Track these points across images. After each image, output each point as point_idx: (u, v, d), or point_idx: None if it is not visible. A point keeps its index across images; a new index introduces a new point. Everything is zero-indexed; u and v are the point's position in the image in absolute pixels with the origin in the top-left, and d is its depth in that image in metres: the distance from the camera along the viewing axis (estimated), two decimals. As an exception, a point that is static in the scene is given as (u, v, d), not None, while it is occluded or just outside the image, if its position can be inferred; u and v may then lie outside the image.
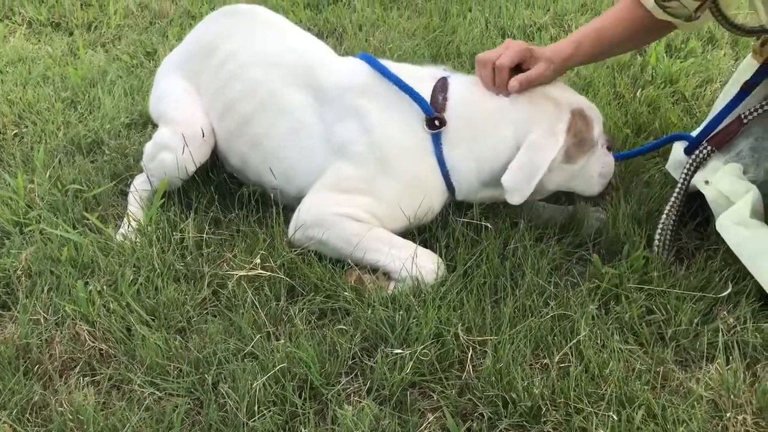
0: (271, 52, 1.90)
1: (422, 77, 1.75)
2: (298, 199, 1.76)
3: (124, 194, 2.04)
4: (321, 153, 1.76)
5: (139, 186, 1.99)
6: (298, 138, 1.79)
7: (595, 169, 1.76)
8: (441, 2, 3.30)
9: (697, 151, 1.74)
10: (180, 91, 2.02)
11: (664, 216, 1.71)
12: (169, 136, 1.92)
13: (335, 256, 1.69)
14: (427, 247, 1.69)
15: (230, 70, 1.92)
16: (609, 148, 1.80)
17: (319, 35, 3.06)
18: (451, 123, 1.69)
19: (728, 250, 1.63)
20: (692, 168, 1.74)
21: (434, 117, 1.68)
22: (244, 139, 1.87)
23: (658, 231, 1.70)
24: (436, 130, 1.69)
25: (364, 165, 1.70)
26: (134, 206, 1.95)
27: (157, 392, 1.41)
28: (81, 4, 3.55)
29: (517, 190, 1.64)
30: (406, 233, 1.73)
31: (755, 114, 1.69)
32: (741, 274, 1.60)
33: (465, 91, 1.73)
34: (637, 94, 2.39)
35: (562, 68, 1.78)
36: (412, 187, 1.70)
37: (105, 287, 1.64)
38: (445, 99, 1.71)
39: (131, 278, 1.66)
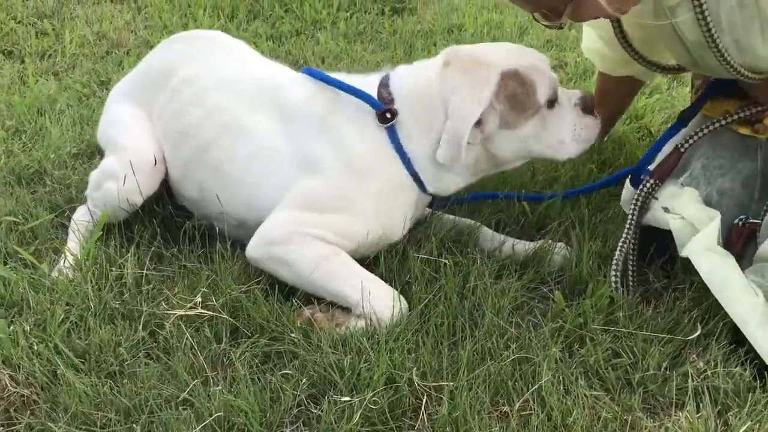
0: (232, 76, 1.83)
1: (367, 80, 1.72)
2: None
3: (64, 227, 1.92)
4: (289, 175, 1.67)
5: (80, 218, 1.87)
6: (264, 161, 1.70)
7: (563, 133, 1.67)
8: (405, 36, 3.27)
9: (641, 185, 1.71)
10: (129, 117, 1.93)
11: (617, 252, 1.65)
12: (117, 164, 1.82)
13: (293, 281, 1.59)
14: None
15: (188, 96, 1.83)
16: (586, 109, 1.71)
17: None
18: (402, 113, 1.65)
19: (697, 289, 1.56)
20: (638, 201, 1.70)
21: (384, 110, 1.64)
22: (203, 166, 1.76)
23: (612, 267, 1.63)
24: (389, 123, 1.64)
25: (335, 179, 1.63)
26: (73, 241, 1.82)
27: (81, 444, 1.28)
28: (36, 33, 3.46)
29: (450, 162, 1.60)
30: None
31: (690, 143, 1.70)
32: (711, 314, 1.52)
33: (405, 79, 1.69)
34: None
35: None
36: (384, 193, 1.65)
37: (32, 327, 1.51)
38: (389, 93, 1.67)
39: (62, 317, 1.54)
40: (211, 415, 1.28)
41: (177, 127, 1.82)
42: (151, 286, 1.64)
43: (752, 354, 1.43)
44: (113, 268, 1.67)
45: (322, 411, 1.32)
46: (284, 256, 1.57)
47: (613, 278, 1.62)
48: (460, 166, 1.64)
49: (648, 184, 1.70)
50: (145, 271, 1.66)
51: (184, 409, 1.32)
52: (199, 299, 1.53)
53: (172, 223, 1.85)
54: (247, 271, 1.66)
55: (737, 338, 1.46)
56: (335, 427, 1.28)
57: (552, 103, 1.65)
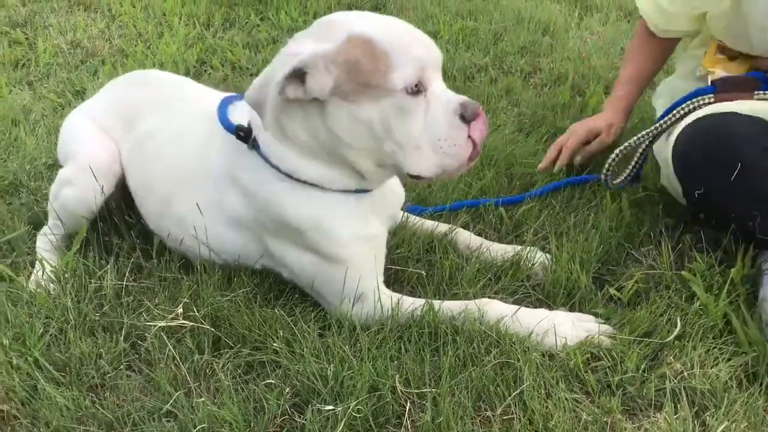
0: (183, 129, 1.74)
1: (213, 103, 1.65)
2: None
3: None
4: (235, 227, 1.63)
5: (51, 230, 1.86)
6: (214, 212, 1.62)
7: (422, 134, 1.39)
8: (382, 43, 3.27)
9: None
10: (87, 130, 1.91)
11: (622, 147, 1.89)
12: (71, 171, 1.82)
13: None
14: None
15: (149, 151, 1.78)
16: (465, 117, 1.40)
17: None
18: (253, 126, 1.53)
19: (676, 290, 1.60)
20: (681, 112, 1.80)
21: (235, 128, 1.54)
22: (169, 218, 1.71)
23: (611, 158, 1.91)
24: (248, 141, 1.53)
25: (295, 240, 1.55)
26: (46, 251, 1.81)
27: (62, 459, 1.27)
28: (9, 42, 3.42)
29: (257, 105, 1.39)
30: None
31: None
32: (688, 316, 1.55)
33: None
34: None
35: (623, 120, 2.18)
36: (321, 220, 1.52)
37: (10, 341, 1.50)
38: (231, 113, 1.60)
39: (41, 331, 1.53)
40: (195, 427, 1.28)
41: (143, 182, 1.79)
42: (131, 297, 1.63)
43: (728, 354, 1.47)
44: (92, 281, 1.66)
45: (306, 420, 1.32)
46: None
47: (606, 167, 1.93)
48: (298, 139, 1.47)
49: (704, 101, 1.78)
50: (125, 283, 1.66)
51: (167, 421, 1.32)
52: (180, 310, 1.53)
53: (149, 234, 1.84)
54: (228, 280, 1.66)
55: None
56: (319, 436, 1.28)
57: (415, 92, 1.38)
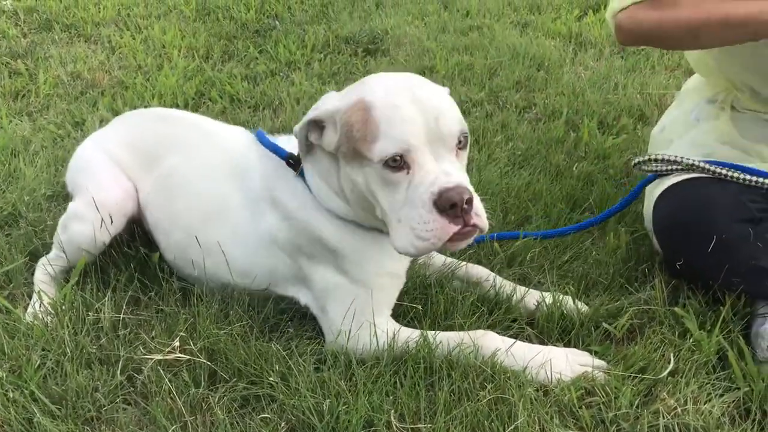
0: (208, 162, 1.79)
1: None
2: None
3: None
4: (269, 251, 1.68)
5: (52, 261, 1.87)
6: (245, 239, 1.69)
7: (401, 212, 1.38)
8: (379, 77, 3.32)
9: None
10: (101, 164, 1.93)
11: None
12: (83, 205, 1.84)
13: None
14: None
15: (174, 187, 1.82)
16: (442, 210, 1.34)
17: (256, 108, 3.03)
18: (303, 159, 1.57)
19: (669, 326, 1.61)
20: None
21: (285, 157, 1.62)
22: (195, 250, 1.73)
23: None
24: (297, 169, 1.60)
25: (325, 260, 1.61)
26: (44, 283, 1.82)
27: (56, 494, 1.27)
28: (9, 73, 3.46)
29: (298, 146, 1.51)
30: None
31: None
32: (681, 351, 1.56)
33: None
34: (574, 168, 2.40)
35: None
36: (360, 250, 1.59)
37: (7, 374, 1.50)
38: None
39: (38, 363, 1.53)
40: (190, 462, 1.28)
41: (167, 216, 1.82)
42: (128, 330, 1.64)
43: (721, 390, 1.48)
44: (90, 313, 1.67)
45: (301, 455, 1.32)
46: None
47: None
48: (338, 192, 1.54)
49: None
50: (122, 315, 1.66)
51: (162, 456, 1.32)
52: (177, 343, 1.54)
53: (147, 266, 1.86)
54: (225, 312, 1.67)
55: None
56: (315, 471, 1.29)
57: (396, 167, 1.36)
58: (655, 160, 1.82)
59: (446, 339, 1.55)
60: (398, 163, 1.36)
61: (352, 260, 1.58)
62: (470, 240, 1.43)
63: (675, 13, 1.64)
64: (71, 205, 1.89)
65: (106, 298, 1.70)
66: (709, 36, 1.63)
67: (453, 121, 1.39)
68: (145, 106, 2.99)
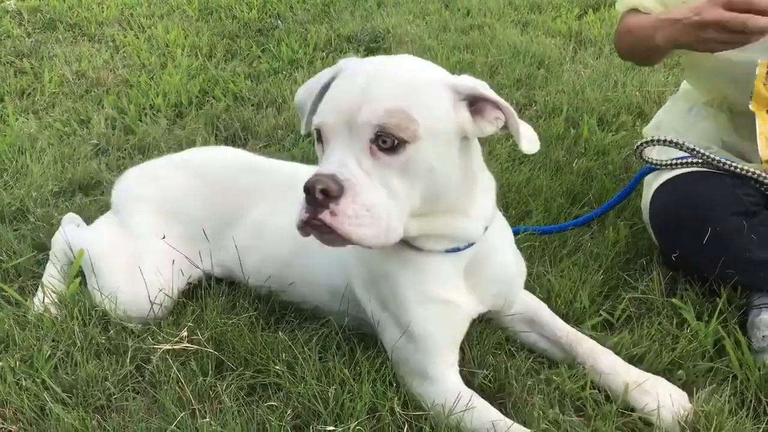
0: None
1: None
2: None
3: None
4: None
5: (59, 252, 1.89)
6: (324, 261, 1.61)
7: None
8: (381, 75, 3.35)
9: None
10: (157, 249, 1.76)
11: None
12: (117, 279, 1.72)
13: None
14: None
15: (264, 234, 1.73)
16: (307, 197, 1.20)
17: (259, 106, 3.06)
18: None
19: (667, 317, 1.64)
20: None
21: None
22: (282, 281, 1.70)
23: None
24: None
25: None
26: (53, 276, 1.85)
27: (69, 478, 1.30)
28: (15, 72, 3.50)
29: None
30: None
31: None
32: (679, 341, 1.59)
33: None
34: (574, 164, 2.43)
35: None
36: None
37: (19, 363, 1.54)
38: None
39: (48, 353, 1.56)
40: (199, 447, 1.31)
41: (265, 258, 1.72)
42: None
43: (719, 378, 1.51)
44: (98, 306, 1.70)
45: (307, 442, 1.36)
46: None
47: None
48: None
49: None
50: (130, 307, 1.69)
51: (172, 442, 1.36)
52: (184, 333, 1.57)
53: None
54: (231, 304, 1.70)
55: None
56: (320, 457, 1.32)
57: (320, 140, 1.29)
58: (657, 141, 1.80)
59: None
60: (319, 137, 1.28)
61: (386, 285, 1.44)
62: (329, 240, 1.23)
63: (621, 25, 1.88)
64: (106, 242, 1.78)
65: (115, 291, 1.73)
66: (626, 45, 1.88)
67: (373, 111, 1.20)
68: (151, 105, 3.03)
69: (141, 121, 2.91)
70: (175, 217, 1.79)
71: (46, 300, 1.75)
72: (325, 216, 1.18)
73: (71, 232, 1.91)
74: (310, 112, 1.35)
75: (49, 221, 2.13)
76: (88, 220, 2.12)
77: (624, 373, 1.47)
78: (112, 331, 1.64)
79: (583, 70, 3.42)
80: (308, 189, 1.18)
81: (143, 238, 1.76)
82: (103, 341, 1.61)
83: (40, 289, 1.80)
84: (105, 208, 2.21)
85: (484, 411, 1.38)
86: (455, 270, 1.45)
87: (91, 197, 2.32)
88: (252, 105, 3.08)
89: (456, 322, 1.47)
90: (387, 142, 1.21)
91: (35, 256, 1.98)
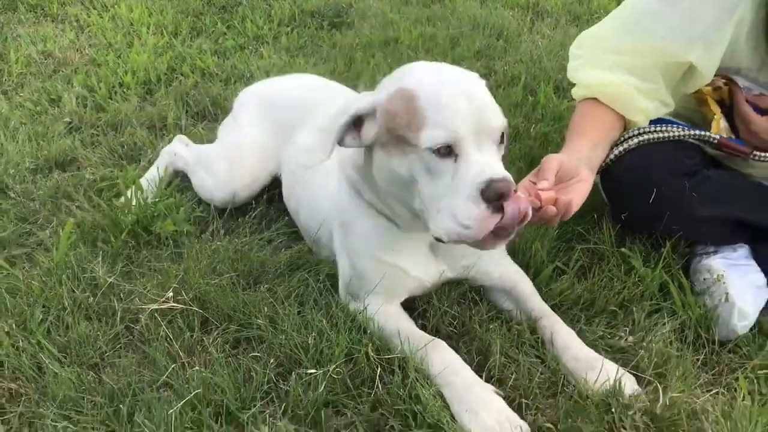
0: None
1: None
2: None
3: (30, 235, 2.04)
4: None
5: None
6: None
7: (444, 202, 1.35)
8: (345, 49, 3.44)
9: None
10: (253, 139, 2.18)
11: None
12: (219, 164, 2.16)
13: None
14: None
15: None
16: (488, 199, 1.30)
17: (227, 81, 3.13)
18: None
19: (617, 265, 1.78)
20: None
21: None
22: (295, 200, 2.02)
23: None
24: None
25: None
26: (149, 180, 2.24)
27: (71, 426, 1.40)
28: (-21, 53, 3.51)
29: (315, 149, 1.47)
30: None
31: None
32: (627, 285, 1.74)
33: None
34: (532, 130, 2.56)
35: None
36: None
37: (14, 326, 1.63)
38: None
39: (41, 318, 1.65)
40: (190, 393, 1.42)
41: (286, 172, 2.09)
42: (123, 287, 1.77)
43: (664, 318, 1.66)
44: (86, 272, 1.79)
45: (289, 386, 1.47)
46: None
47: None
48: (352, 178, 1.59)
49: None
50: (118, 271, 1.79)
51: (164, 391, 1.46)
52: (170, 294, 1.67)
53: (138, 234, 1.98)
54: (212, 267, 1.80)
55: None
56: (303, 398, 1.44)
57: (444, 154, 1.34)
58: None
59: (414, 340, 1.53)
60: (446, 151, 1.34)
61: (345, 231, 1.67)
62: (506, 241, 1.39)
63: None
64: (211, 147, 2.27)
65: (99, 258, 1.82)
66: None
67: (497, 114, 1.38)
68: (120, 83, 3.08)
69: (111, 98, 2.96)
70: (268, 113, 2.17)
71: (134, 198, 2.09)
72: (515, 225, 1.32)
73: (179, 148, 2.34)
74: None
75: (29, 196, 2.20)
76: (67, 196, 2.21)
77: (575, 349, 1.55)
78: (99, 295, 1.73)
79: (540, 40, 3.55)
80: (504, 194, 1.29)
81: (245, 127, 2.18)
82: (92, 304, 1.70)
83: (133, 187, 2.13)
84: (84, 182, 2.30)
85: (394, 319, 1.59)
86: (423, 242, 1.61)
87: (68, 173, 2.38)
88: (220, 80, 3.14)
89: (401, 284, 1.65)
90: (502, 135, 1.41)
91: (18, 228, 2.05)
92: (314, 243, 1.90)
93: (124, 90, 3.04)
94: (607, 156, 1.81)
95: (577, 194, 1.58)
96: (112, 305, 1.70)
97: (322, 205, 1.80)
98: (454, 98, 1.34)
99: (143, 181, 2.22)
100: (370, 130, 1.43)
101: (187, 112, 2.86)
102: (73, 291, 1.74)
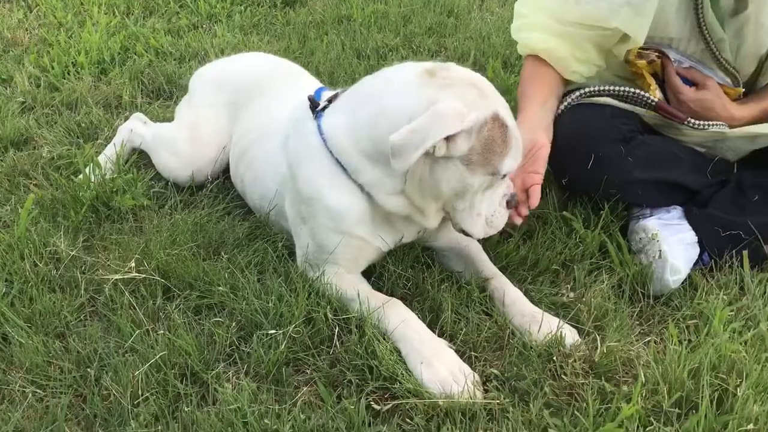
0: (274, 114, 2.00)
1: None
2: None
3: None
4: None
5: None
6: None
7: (486, 208, 1.63)
8: (299, 27, 3.49)
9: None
10: (207, 120, 2.21)
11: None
12: (181, 143, 2.21)
13: None
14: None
15: (251, 136, 2.04)
16: (508, 205, 1.68)
17: (182, 60, 3.15)
18: (338, 100, 1.69)
19: (559, 228, 1.89)
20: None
21: (310, 98, 1.73)
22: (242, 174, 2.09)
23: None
24: (319, 111, 1.69)
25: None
26: (107, 156, 2.28)
27: (39, 391, 1.46)
28: (-76, 34, 3.45)
29: (400, 151, 1.46)
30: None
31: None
32: (568, 246, 1.85)
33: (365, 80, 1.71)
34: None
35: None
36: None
37: (-23, 300, 1.66)
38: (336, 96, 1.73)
39: (3, 290, 1.69)
40: (155, 356, 1.48)
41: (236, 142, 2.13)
42: (85, 259, 1.81)
43: (603, 275, 1.77)
44: (48, 246, 1.83)
45: (251, 348, 1.54)
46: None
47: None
48: (398, 171, 1.54)
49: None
50: (79, 244, 1.83)
51: (130, 356, 1.52)
52: (132, 264, 1.72)
53: (98, 209, 2.02)
54: (172, 239, 1.86)
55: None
56: (264, 358, 1.51)
57: (504, 176, 1.61)
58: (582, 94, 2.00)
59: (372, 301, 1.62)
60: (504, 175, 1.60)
61: (315, 207, 1.67)
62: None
63: None
64: (171, 127, 2.29)
65: (61, 232, 1.86)
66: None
67: None
68: (73, 63, 3.08)
69: (65, 78, 2.96)
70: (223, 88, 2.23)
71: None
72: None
73: (136, 125, 2.38)
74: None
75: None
76: (24, 174, 2.23)
77: (521, 305, 1.66)
78: (62, 268, 1.78)
79: (489, 17, 3.64)
80: (517, 201, 1.71)
81: (201, 108, 2.23)
82: (56, 277, 1.75)
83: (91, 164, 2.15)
84: (41, 161, 2.32)
85: (352, 284, 1.68)
86: (380, 212, 1.67)
87: (25, 152, 2.40)
88: (174, 59, 3.16)
89: (363, 253, 1.73)
90: None
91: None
92: (266, 218, 1.95)
93: (78, 70, 3.04)
94: (558, 108, 1.96)
95: (538, 164, 1.79)
96: (75, 277, 1.75)
97: (270, 185, 1.88)
98: (518, 137, 1.60)
99: (101, 158, 2.25)
100: (462, 146, 1.51)
101: (142, 91, 2.87)
102: (36, 264, 1.78)
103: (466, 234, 1.68)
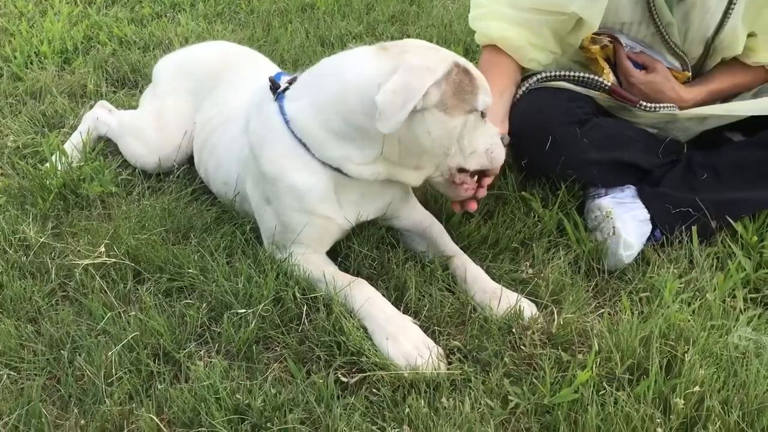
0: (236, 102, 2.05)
1: None
2: None
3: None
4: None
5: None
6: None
7: (481, 144, 1.71)
8: (263, 15, 3.51)
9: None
10: (173, 107, 2.25)
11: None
12: (147, 131, 2.23)
13: None
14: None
15: (214, 122, 2.08)
16: (503, 140, 1.77)
17: (146, 48, 3.16)
18: (298, 81, 1.72)
19: (518, 208, 1.96)
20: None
21: (271, 80, 1.75)
22: (205, 160, 2.12)
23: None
24: (279, 92, 1.72)
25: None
26: (74, 144, 2.29)
27: (14, 373, 1.49)
28: None
29: (387, 112, 1.50)
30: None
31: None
32: (527, 225, 1.92)
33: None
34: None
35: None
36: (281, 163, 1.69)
37: (-54, 287, 1.68)
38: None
39: (-27, 279, 1.71)
40: (128, 337, 1.52)
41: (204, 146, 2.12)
42: (54, 245, 1.83)
43: (561, 252, 1.85)
44: (17, 234, 1.85)
45: (222, 328, 1.59)
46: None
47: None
48: (373, 138, 1.60)
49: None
50: (48, 231, 1.85)
51: (103, 337, 1.56)
52: (102, 249, 1.75)
53: (66, 196, 2.04)
54: (141, 225, 1.89)
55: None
56: (234, 337, 1.56)
57: (483, 115, 1.70)
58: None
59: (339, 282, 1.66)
60: (484, 112, 1.70)
61: (277, 187, 1.70)
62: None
63: None
64: (137, 115, 2.32)
65: (30, 219, 1.88)
66: None
67: None
68: (36, 52, 3.07)
69: (28, 68, 2.95)
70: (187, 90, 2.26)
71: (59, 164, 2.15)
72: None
73: (101, 113, 2.40)
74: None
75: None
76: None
77: (483, 282, 1.72)
78: (31, 255, 1.80)
79: (451, 5, 3.70)
80: (505, 139, 1.77)
81: (165, 96, 2.26)
82: (25, 264, 1.77)
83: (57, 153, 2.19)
84: (7, 150, 2.32)
85: (319, 265, 1.72)
86: (356, 190, 1.72)
87: (-11, 142, 2.40)
88: (138, 48, 3.16)
89: (327, 232, 1.76)
90: None
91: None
92: (232, 204, 1.97)
93: (41, 59, 3.03)
94: (514, 96, 2.03)
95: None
96: (45, 263, 1.77)
97: (233, 170, 1.92)
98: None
99: (67, 146, 2.26)
100: (435, 95, 1.57)
101: (107, 80, 2.88)
102: (5, 251, 1.80)
103: (466, 171, 1.72)
